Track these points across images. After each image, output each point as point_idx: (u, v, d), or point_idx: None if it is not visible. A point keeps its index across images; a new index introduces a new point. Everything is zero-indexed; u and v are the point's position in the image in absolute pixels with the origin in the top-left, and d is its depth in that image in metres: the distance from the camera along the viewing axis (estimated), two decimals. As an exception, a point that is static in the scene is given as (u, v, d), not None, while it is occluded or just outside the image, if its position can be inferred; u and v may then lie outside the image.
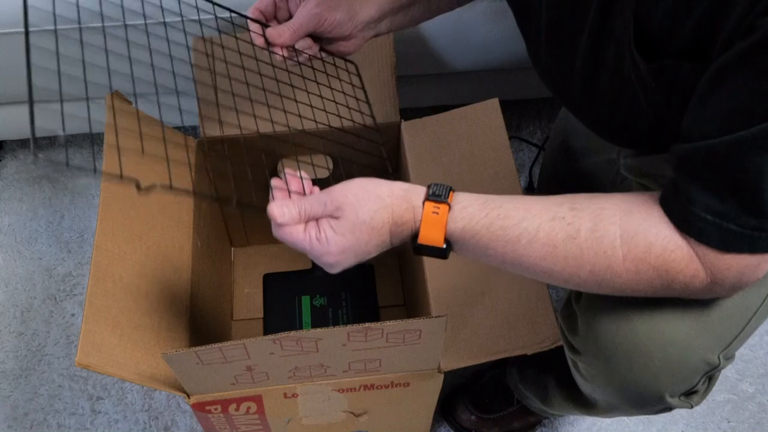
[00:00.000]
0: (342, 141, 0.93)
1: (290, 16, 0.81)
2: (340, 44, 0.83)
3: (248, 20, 0.80)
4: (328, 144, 0.96)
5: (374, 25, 0.83)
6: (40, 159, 0.58)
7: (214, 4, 0.86)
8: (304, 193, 0.68)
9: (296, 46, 0.81)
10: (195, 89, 0.96)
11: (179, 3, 0.81)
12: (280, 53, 0.80)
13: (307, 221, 0.65)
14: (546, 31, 0.72)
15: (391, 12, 0.82)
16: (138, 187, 0.61)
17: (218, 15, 1.07)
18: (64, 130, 0.61)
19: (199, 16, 0.84)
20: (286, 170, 0.69)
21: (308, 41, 0.82)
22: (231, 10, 0.86)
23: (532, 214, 0.62)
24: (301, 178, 0.69)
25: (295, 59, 0.82)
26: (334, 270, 0.66)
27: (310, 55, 0.83)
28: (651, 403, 0.72)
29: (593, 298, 0.72)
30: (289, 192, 0.67)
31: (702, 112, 0.56)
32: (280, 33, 0.79)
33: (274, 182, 0.68)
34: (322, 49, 0.85)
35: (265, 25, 0.81)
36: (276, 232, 0.65)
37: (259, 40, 0.80)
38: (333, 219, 0.64)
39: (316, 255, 0.65)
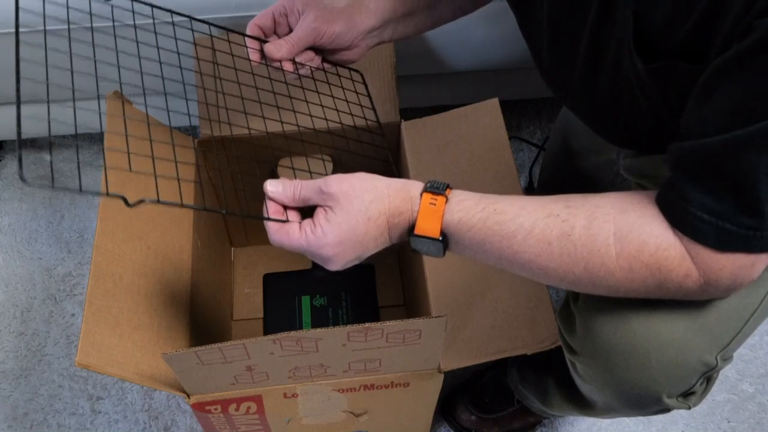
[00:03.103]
0: (346, 145, 0.93)
1: (290, 31, 0.82)
2: (342, 54, 0.84)
3: (245, 37, 0.81)
4: (331, 148, 0.96)
5: (376, 33, 0.83)
6: (28, 180, 0.59)
7: (210, 24, 0.87)
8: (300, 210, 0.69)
9: (297, 59, 0.82)
10: (197, 89, 0.96)
11: (171, 16, 0.81)
12: (278, 67, 0.81)
13: (299, 205, 0.66)
14: (547, 31, 0.72)
15: (393, 20, 0.83)
16: (126, 202, 0.62)
17: (218, 16, 1.07)
18: (51, 160, 0.62)
19: (191, 26, 0.84)
20: (283, 179, 0.70)
21: (309, 54, 0.83)
22: (228, 29, 0.87)
23: (527, 211, 0.62)
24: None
25: (296, 73, 0.83)
26: (334, 266, 0.66)
27: (312, 68, 0.84)
28: (648, 404, 0.72)
29: (591, 299, 0.72)
30: (285, 208, 0.68)
31: (699, 112, 0.56)
32: (278, 48, 0.79)
33: (268, 183, 0.68)
34: (324, 60, 0.85)
35: (263, 41, 0.81)
36: (273, 236, 0.66)
37: (254, 56, 0.81)
38: (328, 210, 0.64)
39: (314, 249, 0.65)
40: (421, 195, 0.64)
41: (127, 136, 0.73)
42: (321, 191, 0.64)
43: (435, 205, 0.63)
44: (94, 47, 0.71)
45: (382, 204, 0.64)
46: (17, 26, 0.64)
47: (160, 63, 0.77)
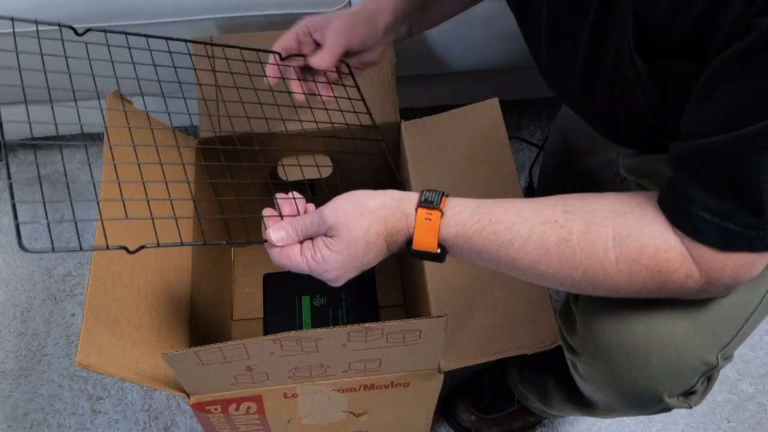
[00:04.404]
0: (341, 140, 0.93)
1: (316, 47, 0.85)
2: (364, 55, 0.86)
3: (264, 66, 0.85)
4: (326, 143, 0.95)
5: (394, 30, 0.86)
6: (27, 248, 0.60)
7: (187, 41, 0.88)
8: (298, 214, 0.69)
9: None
10: (196, 90, 0.96)
11: (147, 41, 0.82)
12: (298, 90, 0.85)
13: (303, 241, 0.67)
14: (546, 31, 0.72)
15: (406, 16, 0.85)
16: (127, 251, 0.64)
17: (218, 16, 1.08)
18: (48, 220, 0.63)
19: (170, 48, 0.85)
20: (278, 195, 0.70)
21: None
22: (257, 50, 0.90)
23: (523, 218, 0.62)
24: (294, 199, 0.70)
25: (304, 93, 0.86)
26: (337, 284, 0.68)
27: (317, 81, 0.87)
28: (650, 403, 0.72)
29: (591, 299, 0.72)
30: (282, 217, 0.68)
31: (700, 112, 0.56)
32: (321, 58, 0.83)
33: (266, 212, 0.69)
34: (348, 66, 0.88)
35: (280, 59, 0.84)
36: (274, 257, 0.67)
37: (271, 76, 0.84)
38: (327, 238, 0.65)
39: (316, 274, 0.66)
40: (416, 210, 0.64)
41: (112, 151, 0.73)
42: (319, 226, 0.65)
43: (430, 220, 0.64)
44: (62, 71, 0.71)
45: (379, 226, 0.65)
46: None
47: (134, 67, 0.77)
